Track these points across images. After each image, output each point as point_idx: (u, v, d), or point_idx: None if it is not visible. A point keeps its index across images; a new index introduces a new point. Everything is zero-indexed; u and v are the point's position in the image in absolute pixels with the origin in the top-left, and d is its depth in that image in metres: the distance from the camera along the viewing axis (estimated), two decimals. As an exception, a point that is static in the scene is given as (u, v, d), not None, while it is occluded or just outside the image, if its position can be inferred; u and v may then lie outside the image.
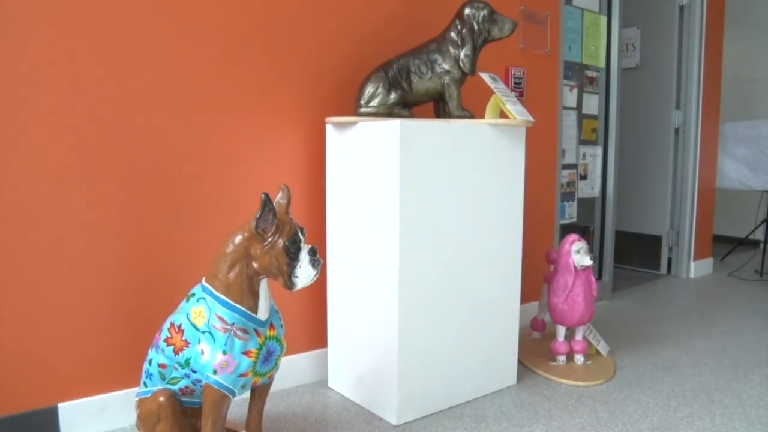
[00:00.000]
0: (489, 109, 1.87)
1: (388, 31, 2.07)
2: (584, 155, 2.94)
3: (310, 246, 1.30)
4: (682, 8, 3.52)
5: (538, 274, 2.70)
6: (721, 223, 4.74)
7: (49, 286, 1.53)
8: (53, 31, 1.48)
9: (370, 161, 1.70)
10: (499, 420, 1.72)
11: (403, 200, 1.62)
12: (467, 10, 1.78)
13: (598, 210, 3.09)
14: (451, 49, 1.78)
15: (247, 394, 1.84)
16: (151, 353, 1.34)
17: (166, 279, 1.70)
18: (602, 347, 2.22)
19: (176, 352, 1.29)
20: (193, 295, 1.33)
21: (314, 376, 2.01)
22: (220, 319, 1.26)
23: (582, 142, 2.92)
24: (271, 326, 1.36)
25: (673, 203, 3.67)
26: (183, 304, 1.34)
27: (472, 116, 1.83)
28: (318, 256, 1.31)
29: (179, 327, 1.30)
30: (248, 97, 1.80)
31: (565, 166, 2.83)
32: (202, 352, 1.26)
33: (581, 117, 2.90)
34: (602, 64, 2.96)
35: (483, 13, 1.77)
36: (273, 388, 1.92)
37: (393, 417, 1.70)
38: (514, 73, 2.47)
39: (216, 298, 1.28)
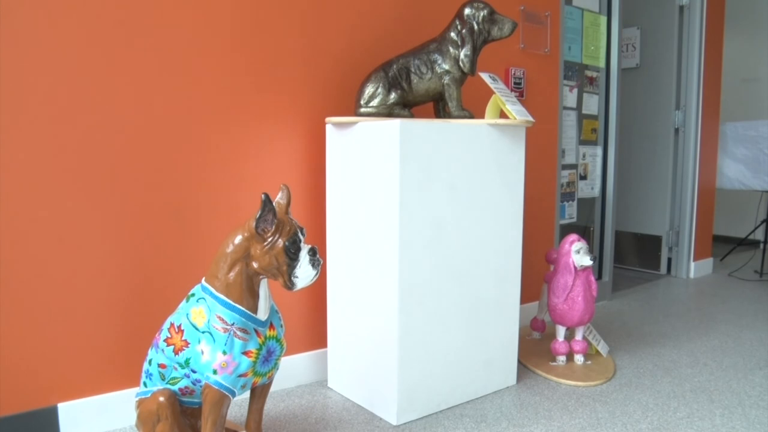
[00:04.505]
0: (489, 109, 1.87)
1: (387, 31, 2.07)
2: (584, 155, 2.94)
3: (310, 246, 1.30)
4: (682, 8, 3.52)
5: (538, 274, 2.70)
6: (721, 223, 4.75)
7: (49, 286, 1.53)
8: (54, 31, 1.48)
9: (370, 161, 1.70)
10: (499, 420, 1.72)
11: (403, 200, 1.62)
12: (467, 10, 1.78)
13: (598, 210, 3.09)
14: (451, 50, 1.78)
15: (247, 394, 1.84)
16: (151, 353, 1.34)
17: (166, 279, 1.70)
18: (602, 347, 2.22)
19: (176, 352, 1.29)
20: (193, 295, 1.33)
21: (314, 376, 2.01)
22: (220, 319, 1.26)
23: (582, 142, 2.92)
24: (271, 326, 1.36)
25: (673, 203, 3.68)
26: (183, 304, 1.34)
27: (472, 116, 1.83)
28: (318, 256, 1.31)
29: (179, 327, 1.30)
30: (248, 97, 1.80)
31: (565, 166, 2.83)
32: (202, 352, 1.26)
33: (581, 117, 2.90)
34: (602, 64, 2.97)
35: (483, 13, 1.77)
36: (273, 388, 1.92)
37: (393, 417, 1.70)
38: (514, 73, 2.47)
39: (216, 298, 1.28)
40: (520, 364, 2.15)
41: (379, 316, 1.71)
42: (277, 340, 1.36)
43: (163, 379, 1.32)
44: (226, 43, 1.74)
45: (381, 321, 1.71)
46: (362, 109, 1.78)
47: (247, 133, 1.81)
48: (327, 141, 1.87)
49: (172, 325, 1.32)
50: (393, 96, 1.77)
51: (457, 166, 1.72)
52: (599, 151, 3.02)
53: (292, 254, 1.28)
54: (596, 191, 3.05)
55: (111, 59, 1.56)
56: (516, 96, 1.93)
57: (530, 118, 1.79)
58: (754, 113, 4.65)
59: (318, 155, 1.96)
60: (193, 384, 1.30)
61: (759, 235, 4.39)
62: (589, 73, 2.90)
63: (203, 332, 1.27)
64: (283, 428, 1.66)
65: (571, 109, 2.83)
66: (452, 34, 1.79)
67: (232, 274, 1.28)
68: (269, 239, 1.27)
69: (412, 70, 1.79)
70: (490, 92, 1.85)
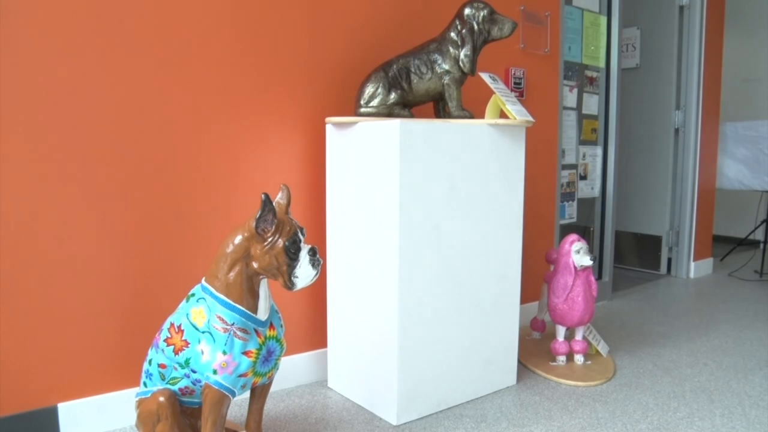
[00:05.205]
0: (489, 109, 1.87)
1: (388, 31, 2.07)
2: (584, 155, 2.94)
3: (310, 246, 1.30)
4: (682, 8, 3.52)
5: (538, 274, 2.70)
6: (721, 223, 4.75)
7: (49, 286, 1.53)
8: (55, 33, 1.48)
9: (370, 161, 1.70)
10: (499, 420, 1.72)
11: (403, 200, 1.62)
12: (467, 11, 1.78)
13: (598, 210, 3.09)
14: (451, 50, 1.78)
15: (247, 394, 1.84)
16: (151, 353, 1.34)
17: (166, 279, 1.70)
18: (602, 347, 2.22)
19: (176, 352, 1.29)
20: (193, 295, 1.33)
21: (314, 376, 2.01)
22: (220, 319, 1.26)
23: (582, 142, 2.92)
24: (271, 326, 1.36)
25: (673, 203, 3.68)
26: (183, 304, 1.34)
27: (472, 116, 1.83)
28: (318, 256, 1.31)
29: (179, 327, 1.30)
30: (248, 98, 1.80)
31: (565, 166, 2.83)
32: (202, 352, 1.26)
33: (581, 117, 2.90)
34: (602, 64, 2.97)
35: (483, 13, 1.77)
36: (273, 388, 1.92)
37: (393, 417, 1.70)
38: (514, 73, 2.47)
39: (216, 298, 1.28)
40: (520, 364, 2.15)
41: (379, 316, 1.71)
42: (277, 340, 1.36)
43: (163, 379, 1.32)
44: (226, 43, 1.74)
45: (381, 321, 1.71)
46: (362, 109, 1.78)
47: (247, 133, 1.81)
48: (327, 141, 1.87)
49: (172, 325, 1.32)
50: (393, 96, 1.77)
51: (457, 166, 1.72)
52: (599, 151, 3.02)
53: (292, 254, 1.28)
54: (596, 191, 3.05)
55: (111, 59, 1.56)
56: (516, 96, 1.93)
57: (530, 118, 1.79)
58: (754, 113, 4.65)
59: (318, 155, 1.96)
60: (193, 384, 1.30)
61: (759, 235, 4.39)
62: (589, 73, 2.90)
63: (203, 332, 1.27)
64: (283, 428, 1.66)
65: (571, 109, 2.83)
66: (452, 34, 1.79)
67: (232, 274, 1.28)
68: (269, 239, 1.27)
69: (412, 70, 1.79)
70: (490, 92, 1.85)
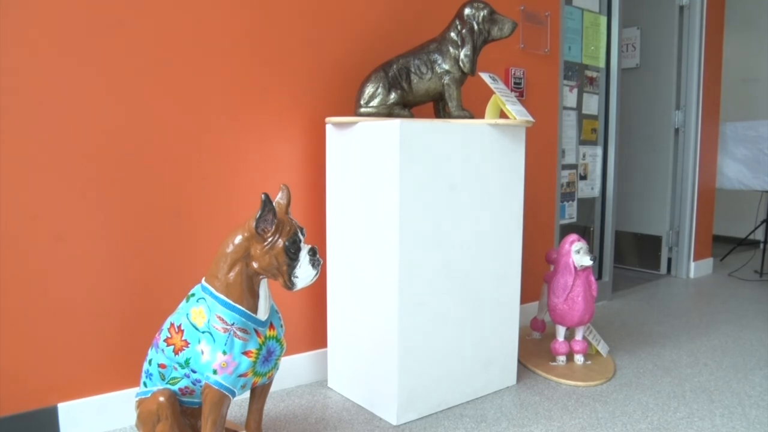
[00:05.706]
0: (489, 109, 1.87)
1: (388, 31, 2.07)
2: (584, 155, 2.94)
3: (310, 246, 1.30)
4: (682, 8, 3.52)
5: (538, 274, 2.70)
6: (721, 223, 4.75)
7: (49, 286, 1.53)
8: (54, 33, 1.48)
9: (370, 161, 1.70)
10: (499, 420, 1.72)
11: (402, 200, 1.62)
12: (467, 10, 1.78)
13: (598, 210, 3.09)
14: (451, 49, 1.78)
15: (247, 394, 1.84)
16: (151, 353, 1.35)
17: (166, 279, 1.70)
18: (602, 347, 2.22)
19: (176, 352, 1.29)
20: (193, 295, 1.33)
21: (314, 376, 2.01)
22: (220, 319, 1.26)
23: (582, 142, 2.92)
24: (271, 326, 1.36)
25: (673, 203, 3.68)
26: (183, 304, 1.34)
27: (472, 116, 1.83)
28: (318, 256, 1.31)
29: (179, 327, 1.30)
30: (248, 97, 1.80)
31: (565, 166, 2.83)
32: (202, 352, 1.26)
33: (581, 117, 2.90)
34: (602, 64, 2.97)
35: (483, 13, 1.77)
36: (273, 388, 1.92)
37: (393, 417, 1.70)
38: (514, 73, 2.47)
39: (216, 298, 1.28)
40: (520, 364, 2.15)
41: (379, 316, 1.71)
42: (277, 340, 1.36)
43: (163, 379, 1.32)
44: (226, 44, 1.74)
45: (381, 321, 1.71)
46: (362, 109, 1.78)
47: (247, 133, 1.81)
48: (327, 141, 1.87)
49: (172, 325, 1.32)
50: (393, 96, 1.77)
51: (457, 166, 1.72)
52: (599, 151, 3.02)
53: (292, 254, 1.28)
54: (596, 191, 3.05)
55: (111, 59, 1.56)
56: (516, 96, 1.93)
57: (530, 118, 1.79)
58: (754, 113, 4.65)
59: (318, 155, 1.96)
60: (193, 384, 1.30)
61: (759, 235, 4.39)
62: (589, 73, 2.90)
63: (203, 332, 1.27)
64: (283, 428, 1.66)
65: (571, 109, 2.83)
66: (452, 34, 1.79)
67: (232, 274, 1.28)
68: (269, 239, 1.27)
69: (412, 70, 1.79)
70: (490, 92, 1.85)
